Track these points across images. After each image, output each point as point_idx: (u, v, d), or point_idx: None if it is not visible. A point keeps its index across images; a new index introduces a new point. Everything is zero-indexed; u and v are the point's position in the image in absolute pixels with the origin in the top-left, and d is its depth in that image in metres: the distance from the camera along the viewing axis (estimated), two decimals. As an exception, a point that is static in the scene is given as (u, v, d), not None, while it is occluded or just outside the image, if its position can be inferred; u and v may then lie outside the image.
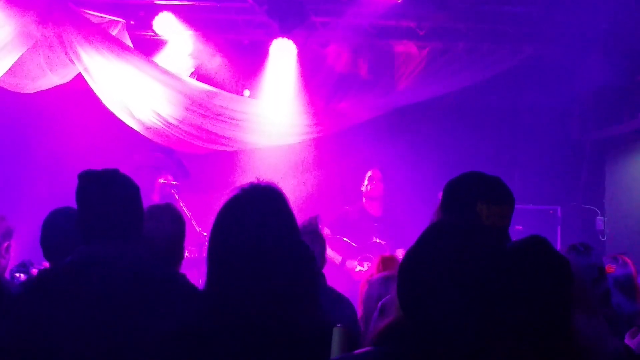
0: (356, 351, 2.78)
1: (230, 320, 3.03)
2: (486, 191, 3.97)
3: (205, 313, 3.11)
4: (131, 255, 3.81)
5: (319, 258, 5.36)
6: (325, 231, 10.20)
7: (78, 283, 3.67)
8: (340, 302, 5.35)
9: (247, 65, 10.72)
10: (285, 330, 3.02)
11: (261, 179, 3.28)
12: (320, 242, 5.48)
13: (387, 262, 6.15)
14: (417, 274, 2.61)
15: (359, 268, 10.12)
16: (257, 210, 3.15)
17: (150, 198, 9.63)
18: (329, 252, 10.14)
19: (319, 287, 3.29)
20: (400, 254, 9.57)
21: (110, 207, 3.84)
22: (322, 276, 5.41)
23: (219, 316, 3.05)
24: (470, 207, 3.88)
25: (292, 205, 3.24)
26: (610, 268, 6.03)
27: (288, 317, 3.04)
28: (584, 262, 4.59)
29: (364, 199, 10.66)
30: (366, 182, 10.65)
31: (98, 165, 4.02)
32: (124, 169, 4.03)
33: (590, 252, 5.02)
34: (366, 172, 10.76)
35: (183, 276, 4.17)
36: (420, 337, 2.57)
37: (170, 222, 5.00)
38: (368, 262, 10.03)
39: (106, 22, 9.66)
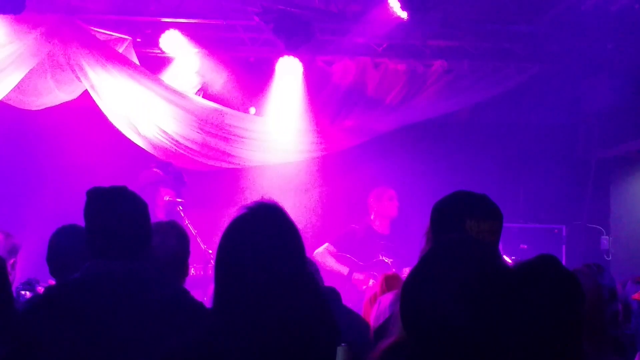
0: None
1: (238, 338, 3.03)
2: (474, 208, 3.98)
3: (213, 331, 3.11)
4: (139, 272, 3.81)
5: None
6: (330, 248, 10.20)
7: (85, 300, 3.67)
8: (353, 320, 5.33)
9: (253, 82, 10.73)
10: (291, 347, 3.02)
11: (266, 198, 3.29)
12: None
13: (390, 280, 6.16)
14: (420, 293, 2.60)
15: (369, 283, 10.08)
16: (264, 229, 3.16)
17: (157, 215, 9.62)
18: (335, 265, 10.15)
19: (327, 303, 3.29)
20: (406, 272, 9.55)
21: (118, 224, 3.84)
22: (338, 294, 5.39)
23: (226, 334, 3.05)
24: (459, 225, 3.89)
25: (296, 224, 3.25)
26: None
27: (295, 334, 3.05)
28: (596, 282, 4.57)
29: (372, 216, 10.60)
30: (383, 201, 10.57)
31: (104, 182, 4.03)
32: (131, 186, 4.04)
33: (602, 273, 5.03)
34: (372, 188, 10.71)
35: (188, 293, 4.17)
36: (424, 357, 2.57)
37: (175, 238, 4.99)
38: (373, 280, 10.01)
39: (113, 40, 9.69)
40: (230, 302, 3.11)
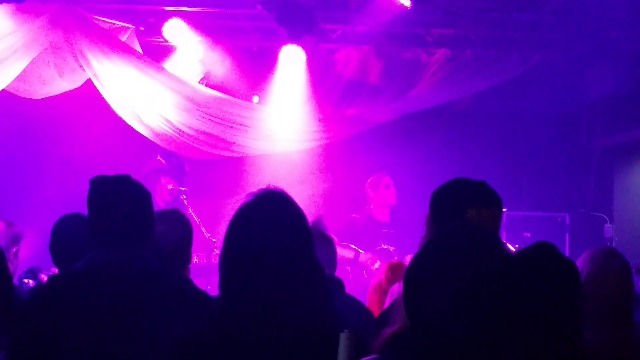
0: (362, 359, 2.79)
1: (244, 325, 3.03)
2: (474, 196, 3.98)
3: (219, 319, 3.12)
4: (142, 260, 3.80)
5: (329, 261, 5.33)
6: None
7: (89, 289, 3.68)
8: (358, 309, 5.33)
9: (256, 71, 10.73)
10: (298, 334, 3.03)
11: (272, 185, 3.29)
12: (328, 244, 5.45)
13: (395, 268, 6.15)
14: (423, 281, 2.61)
15: (376, 266, 10.06)
16: (270, 216, 3.16)
17: (160, 204, 9.64)
18: (340, 251, 10.13)
19: (330, 290, 3.30)
20: (409, 260, 9.55)
21: (122, 212, 3.83)
22: (341, 282, 5.39)
23: (232, 321, 3.06)
24: (460, 214, 3.88)
25: (303, 211, 3.26)
26: None
27: (301, 322, 3.06)
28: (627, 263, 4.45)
29: (372, 205, 10.60)
30: (380, 188, 10.55)
31: (108, 171, 4.02)
32: (134, 175, 4.03)
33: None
34: (372, 177, 10.70)
35: (191, 282, 4.18)
36: (426, 345, 2.57)
37: (178, 227, 5.00)
38: (379, 262, 9.99)
39: (116, 28, 9.69)
40: (237, 289, 3.11)
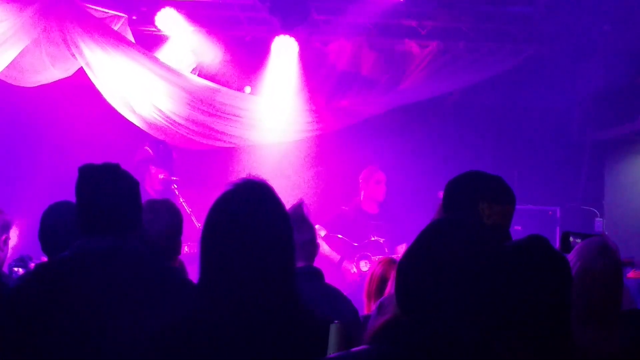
0: (353, 349, 2.79)
1: (223, 312, 3.04)
2: (488, 190, 4.00)
3: (199, 306, 3.12)
4: (129, 249, 3.80)
5: (309, 245, 5.31)
6: (322, 232, 10.15)
7: (75, 276, 3.68)
8: (338, 299, 5.33)
9: (248, 62, 10.73)
10: (277, 323, 3.04)
11: (252, 175, 3.30)
12: (308, 229, 5.42)
13: (391, 265, 6.13)
14: (415, 272, 2.61)
15: (354, 270, 10.10)
16: (249, 205, 3.16)
17: (150, 193, 9.63)
18: (327, 251, 10.12)
19: (299, 289, 3.30)
20: (402, 249, 9.58)
21: (110, 201, 3.83)
22: (319, 272, 5.39)
23: (212, 309, 3.07)
24: (472, 206, 3.90)
25: (283, 201, 3.26)
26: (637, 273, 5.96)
27: (281, 311, 3.07)
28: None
29: (362, 196, 10.60)
30: (370, 183, 10.54)
31: (98, 159, 4.02)
32: (125, 164, 4.03)
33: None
34: (366, 169, 10.70)
35: (178, 271, 4.17)
36: (418, 335, 2.58)
37: (167, 216, 5.00)
38: (366, 261, 10.02)
39: (108, 17, 9.67)
40: (214, 279, 3.12)
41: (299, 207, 5.24)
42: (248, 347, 3.02)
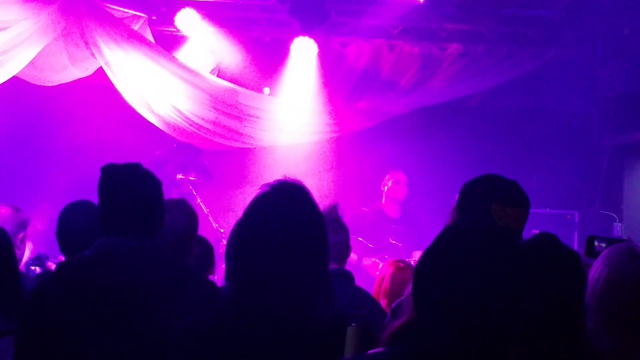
0: (369, 351, 2.79)
1: (258, 312, 3.05)
2: (502, 193, 4.01)
3: (231, 306, 3.13)
4: (151, 249, 3.80)
5: (344, 246, 5.34)
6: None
7: (97, 276, 3.66)
8: (368, 301, 5.33)
9: (267, 63, 10.74)
10: (308, 324, 3.04)
11: (288, 177, 3.30)
12: (343, 231, 5.44)
13: (401, 271, 6.12)
14: (432, 275, 2.61)
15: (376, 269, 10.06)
16: (286, 207, 3.17)
17: (170, 193, 9.65)
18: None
19: (334, 290, 3.30)
20: (417, 256, 9.55)
21: (132, 201, 3.82)
22: (350, 274, 5.39)
23: (245, 309, 3.08)
24: (484, 208, 3.91)
25: (318, 203, 3.26)
26: None
27: (312, 312, 3.08)
28: None
29: (383, 199, 10.55)
30: (390, 183, 10.49)
31: (117, 159, 4.01)
32: (145, 164, 4.02)
33: None
34: (385, 171, 10.66)
35: (199, 271, 4.17)
36: (434, 337, 2.57)
37: (183, 216, 5.00)
38: (382, 264, 9.99)
39: (128, 17, 9.70)
40: (248, 279, 3.12)
41: (333, 208, 5.25)
42: (280, 347, 3.02)
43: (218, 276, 7.97)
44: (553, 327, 2.76)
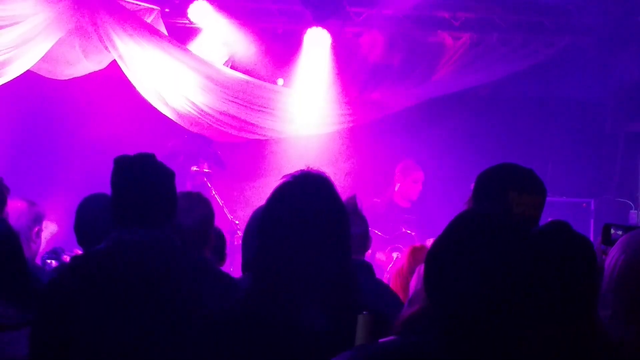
0: (380, 340, 2.79)
1: (278, 303, 3.06)
2: (518, 181, 4.02)
3: (253, 298, 3.14)
4: (165, 240, 3.80)
5: (363, 238, 5.35)
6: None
7: (111, 269, 3.67)
8: (387, 293, 5.33)
9: (281, 54, 10.74)
10: (333, 315, 3.06)
11: (311, 167, 3.30)
12: (361, 222, 5.44)
13: (417, 252, 6.13)
14: (444, 262, 2.61)
15: (383, 258, 10.06)
16: (307, 197, 3.18)
17: (184, 185, 9.67)
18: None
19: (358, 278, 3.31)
20: (430, 243, 9.53)
21: (144, 192, 3.82)
22: (370, 266, 5.40)
23: (266, 300, 3.08)
24: (501, 196, 3.92)
25: (340, 195, 3.27)
26: None
27: (337, 303, 3.09)
28: None
29: (396, 188, 10.52)
30: (407, 180, 10.44)
31: (132, 151, 4.02)
32: (159, 156, 4.02)
33: None
34: (398, 161, 10.65)
35: (213, 263, 4.18)
36: (446, 325, 2.58)
37: (199, 208, 5.00)
38: (397, 253, 9.98)
39: (141, 10, 9.70)
40: (270, 269, 3.13)
41: (352, 199, 5.25)
42: (302, 338, 3.03)
43: (234, 267, 8.00)
44: (564, 313, 2.76)
